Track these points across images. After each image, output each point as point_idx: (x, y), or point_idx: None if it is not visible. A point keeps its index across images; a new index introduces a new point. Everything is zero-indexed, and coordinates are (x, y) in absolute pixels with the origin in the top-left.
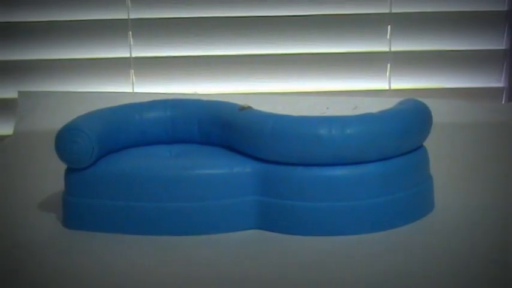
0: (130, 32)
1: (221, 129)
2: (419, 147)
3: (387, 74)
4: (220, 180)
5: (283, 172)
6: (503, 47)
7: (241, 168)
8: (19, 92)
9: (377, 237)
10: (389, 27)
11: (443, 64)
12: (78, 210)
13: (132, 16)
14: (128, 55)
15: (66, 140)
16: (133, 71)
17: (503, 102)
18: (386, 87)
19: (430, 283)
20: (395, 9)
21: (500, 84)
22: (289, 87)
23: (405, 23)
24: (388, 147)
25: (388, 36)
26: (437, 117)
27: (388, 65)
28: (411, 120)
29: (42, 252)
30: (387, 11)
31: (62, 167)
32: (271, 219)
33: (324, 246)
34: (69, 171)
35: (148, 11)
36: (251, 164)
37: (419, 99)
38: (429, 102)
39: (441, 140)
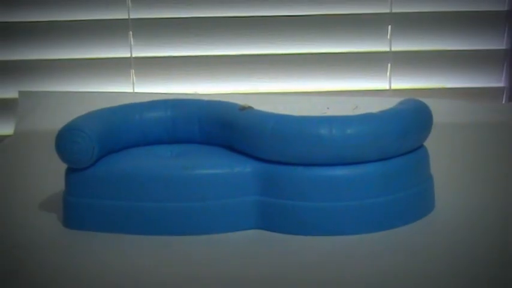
0: (131, 32)
1: (222, 129)
2: (420, 147)
3: (387, 73)
4: (221, 180)
5: (284, 172)
6: (503, 47)
7: (242, 168)
8: (19, 92)
9: (377, 237)
10: (389, 27)
11: (444, 64)
12: (78, 210)
13: (133, 16)
14: (128, 55)
15: (66, 140)
16: (133, 70)
17: (503, 102)
18: (387, 87)
19: (430, 283)
20: (396, 9)
21: (501, 84)
22: (289, 87)
23: (405, 22)
24: (388, 147)
25: (388, 36)
26: (437, 117)
27: (389, 64)
28: (411, 120)
29: (42, 252)
30: (387, 10)
31: (62, 167)
32: (271, 219)
33: (324, 246)
34: (70, 171)
35: (148, 11)
36: (251, 163)
37: (420, 99)
38: (429, 102)
39: (441, 140)
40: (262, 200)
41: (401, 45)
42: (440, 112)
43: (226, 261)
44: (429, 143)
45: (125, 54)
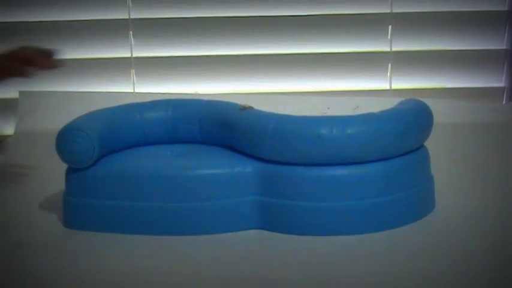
0: (131, 32)
1: (222, 129)
2: (421, 147)
3: (388, 74)
4: (221, 180)
5: (285, 172)
6: (503, 47)
7: (242, 168)
8: (20, 92)
9: (377, 237)
10: (390, 27)
11: (444, 64)
12: (79, 210)
13: (133, 16)
14: (128, 55)
15: (67, 140)
16: (134, 70)
17: (503, 102)
18: (387, 87)
19: (430, 283)
20: (396, 9)
21: (501, 84)
22: (290, 87)
23: (406, 23)
24: (389, 147)
25: (389, 36)
26: (437, 117)
27: (389, 65)
28: (412, 120)
29: (43, 252)
30: (388, 11)
31: (63, 167)
32: (272, 219)
33: (324, 246)
34: (70, 171)
35: (149, 11)
36: (252, 163)
37: (420, 99)
38: (429, 102)
39: (441, 140)
40: (263, 200)
41: (401, 45)
42: (440, 112)
43: (226, 261)
44: (429, 143)
45: (126, 54)
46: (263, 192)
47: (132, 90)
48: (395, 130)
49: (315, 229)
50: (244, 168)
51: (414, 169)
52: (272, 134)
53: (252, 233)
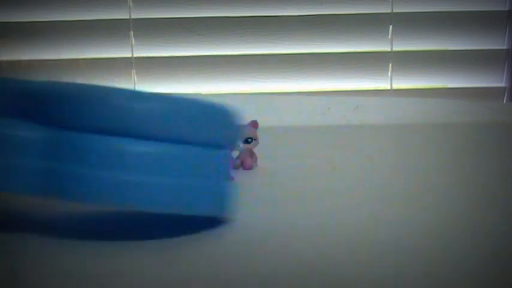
0: (132, 32)
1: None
2: (221, 150)
3: (389, 74)
4: (3, 140)
5: (68, 138)
6: (504, 47)
7: (25, 131)
8: None
9: (376, 237)
10: (390, 27)
11: (445, 64)
12: None
13: (134, 16)
14: (129, 55)
15: None
16: (134, 71)
17: (504, 102)
18: (388, 87)
19: (430, 283)
20: (397, 9)
21: (502, 84)
22: (290, 87)
23: (406, 22)
24: (173, 130)
25: (389, 36)
26: (437, 117)
27: (390, 65)
28: (203, 112)
29: (42, 253)
30: (388, 10)
31: None
32: (54, 185)
33: (321, 246)
34: None
35: (150, 11)
36: (37, 128)
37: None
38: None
39: (441, 140)
40: (46, 165)
41: (402, 45)
42: (441, 112)
43: (223, 261)
44: (430, 143)
45: (126, 54)
46: (48, 157)
47: None
48: (188, 115)
49: (96, 198)
50: (27, 131)
51: (204, 162)
52: (57, 98)
53: (246, 232)
